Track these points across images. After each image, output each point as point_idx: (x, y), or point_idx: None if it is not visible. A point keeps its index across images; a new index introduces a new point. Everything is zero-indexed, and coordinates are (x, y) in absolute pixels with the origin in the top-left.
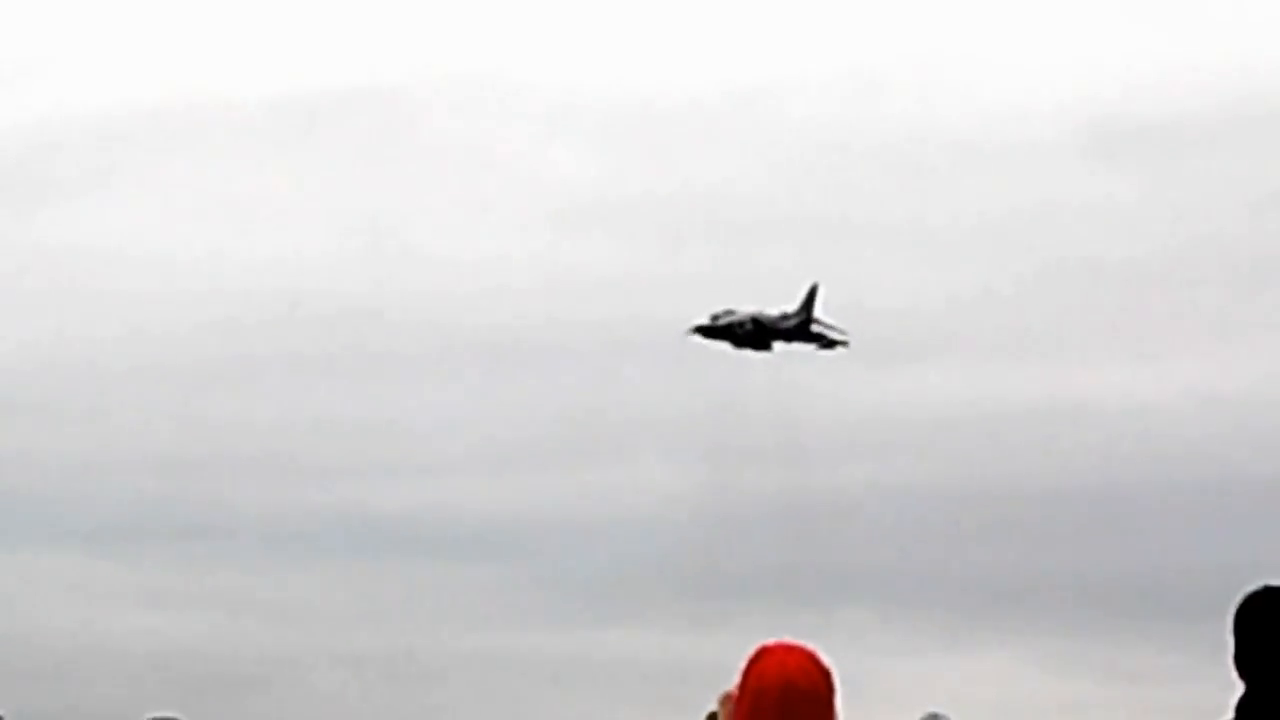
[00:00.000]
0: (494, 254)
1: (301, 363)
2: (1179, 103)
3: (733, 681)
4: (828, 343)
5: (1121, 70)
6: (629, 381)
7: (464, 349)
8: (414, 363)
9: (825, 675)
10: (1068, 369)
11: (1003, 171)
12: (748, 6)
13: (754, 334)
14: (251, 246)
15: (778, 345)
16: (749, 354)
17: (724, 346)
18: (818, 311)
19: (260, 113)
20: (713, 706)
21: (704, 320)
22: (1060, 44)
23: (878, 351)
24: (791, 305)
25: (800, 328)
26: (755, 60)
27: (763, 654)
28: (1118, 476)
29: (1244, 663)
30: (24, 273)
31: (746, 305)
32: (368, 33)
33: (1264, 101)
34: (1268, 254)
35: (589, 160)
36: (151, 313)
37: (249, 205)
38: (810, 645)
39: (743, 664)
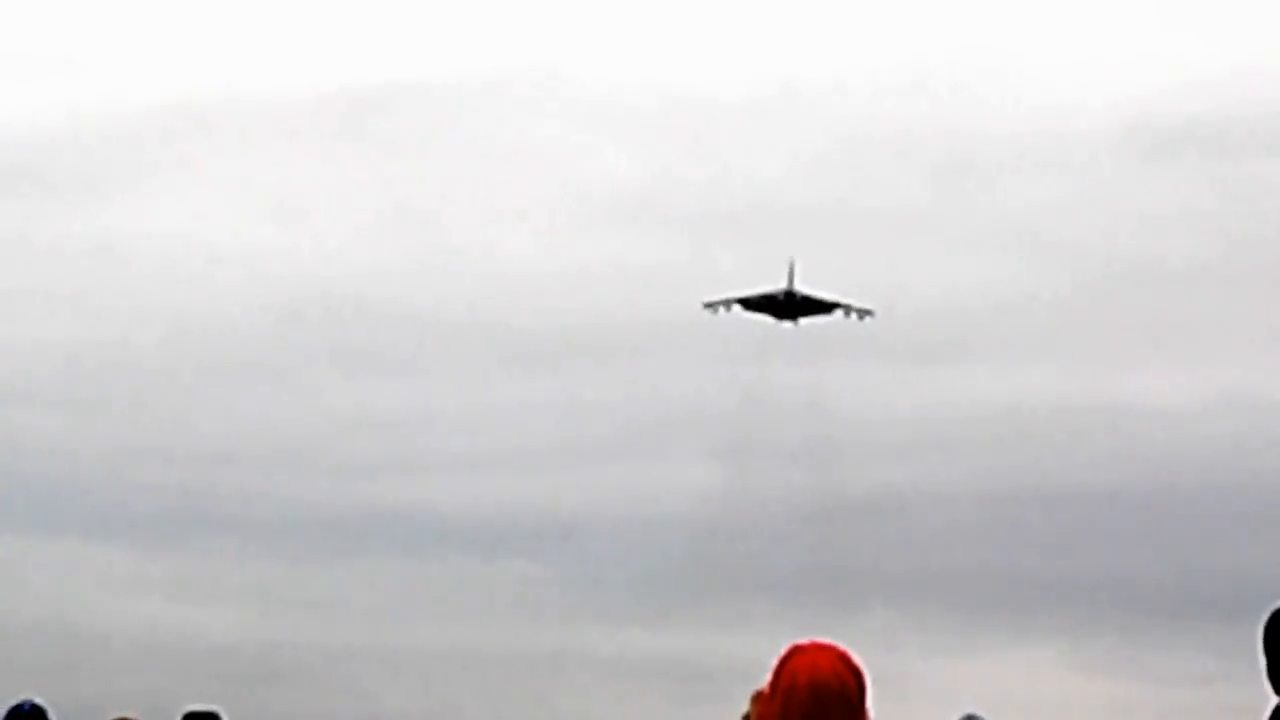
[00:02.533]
0: (532, 252)
1: (336, 358)
2: (1226, 105)
3: (763, 680)
4: (860, 312)
5: (1168, 71)
6: (659, 379)
7: (499, 345)
8: (448, 359)
9: (857, 676)
10: (1105, 370)
11: (1045, 171)
12: (793, 3)
13: (785, 303)
14: (290, 242)
15: (804, 320)
16: (782, 332)
17: (753, 316)
18: (797, 284)
19: (300, 108)
20: (746, 706)
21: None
22: (1108, 43)
23: (914, 350)
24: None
25: (805, 302)
26: (799, 56)
27: (794, 653)
28: (1152, 479)
29: (1278, 678)
30: (62, 267)
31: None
32: (409, 28)
33: None
34: None
35: (632, 157)
36: (187, 307)
37: (288, 201)
38: (841, 645)
39: (774, 663)
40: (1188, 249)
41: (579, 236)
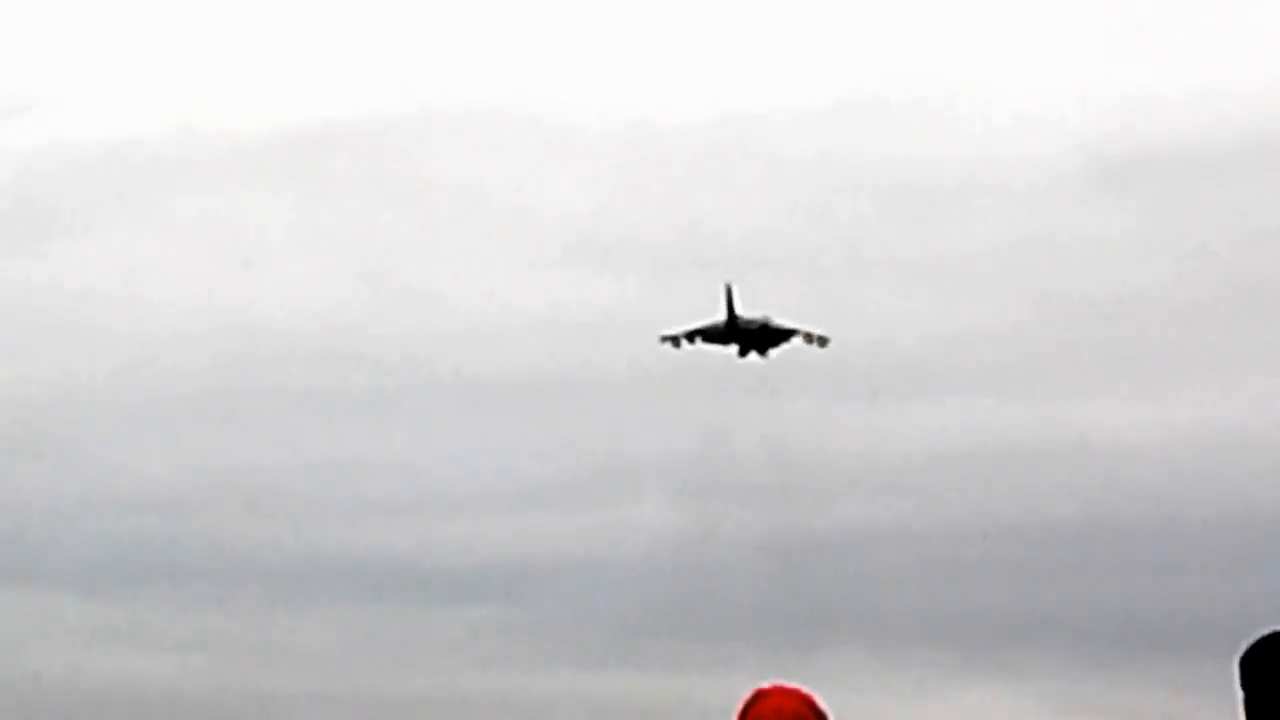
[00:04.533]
0: (491, 292)
1: (299, 403)
2: (1178, 135)
3: None
4: (819, 339)
5: (1120, 101)
6: (616, 420)
7: (458, 388)
8: (409, 403)
9: (820, 718)
10: (1065, 404)
11: (1002, 205)
12: (750, 39)
13: (741, 331)
14: (252, 285)
15: (757, 353)
16: (739, 368)
17: (714, 349)
18: (739, 309)
19: (255, 148)
20: None
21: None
22: (1059, 74)
23: (867, 384)
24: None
25: (763, 330)
26: (756, 91)
27: (758, 697)
28: (1111, 514)
29: (1254, 712)
30: (21, 310)
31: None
32: (362, 68)
33: (1265, 135)
34: (1268, 288)
35: (585, 193)
36: (139, 351)
37: (242, 242)
38: (805, 688)
39: (738, 707)
40: (1142, 279)
41: (536, 276)
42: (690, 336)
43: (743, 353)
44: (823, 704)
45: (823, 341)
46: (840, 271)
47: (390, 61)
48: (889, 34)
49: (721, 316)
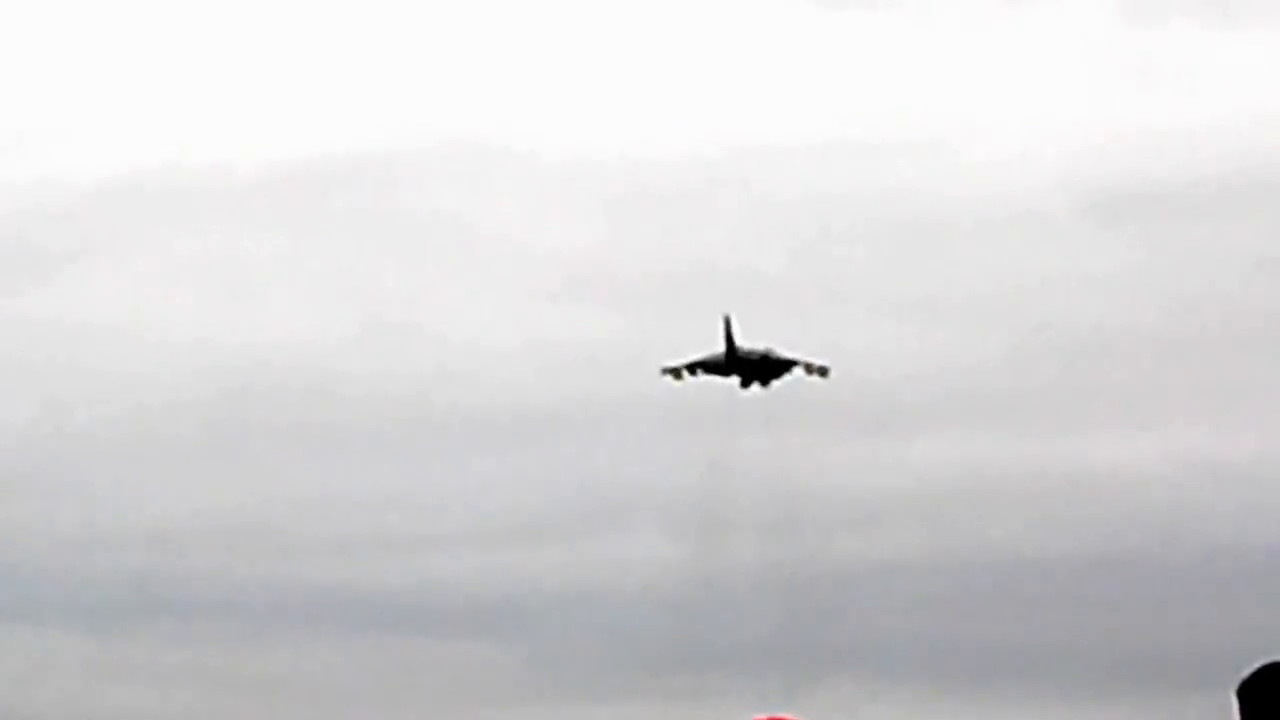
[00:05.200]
0: (488, 326)
1: (287, 438)
2: (1172, 172)
3: None
4: (819, 370)
5: (1114, 139)
6: (614, 454)
7: (456, 422)
8: (402, 438)
9: None
10: (1060, 438)
11: (999, 239)
12: (744, 76)
13: (742, 362)
14: (248, 321)
15: (757, 385)
16: (737, 401)
17: (716, 381)
18: (739, 340)
19: (251, 184)
20: None
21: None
22: (1055, 110)
23: (864, 417)
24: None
25: (764, 361)
26: (752, 128)
27: None
28: (1109, 545)
29: None
30: (14, 348)
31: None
32: (356, 103)
33: (1260, 170)
34: (1260, 321)
35: (582, 226)
36: (136, 387)
37: (238, 278)
38: (799, 718)
39: None
40: (1138, 312)
41: (532, 309)
42: (692, 369)
43: (745, 384)
44: None
45: (823, 372)
46: (831, 306)
47: (385, 97)
48: (882, 72)
49: (721, 348)
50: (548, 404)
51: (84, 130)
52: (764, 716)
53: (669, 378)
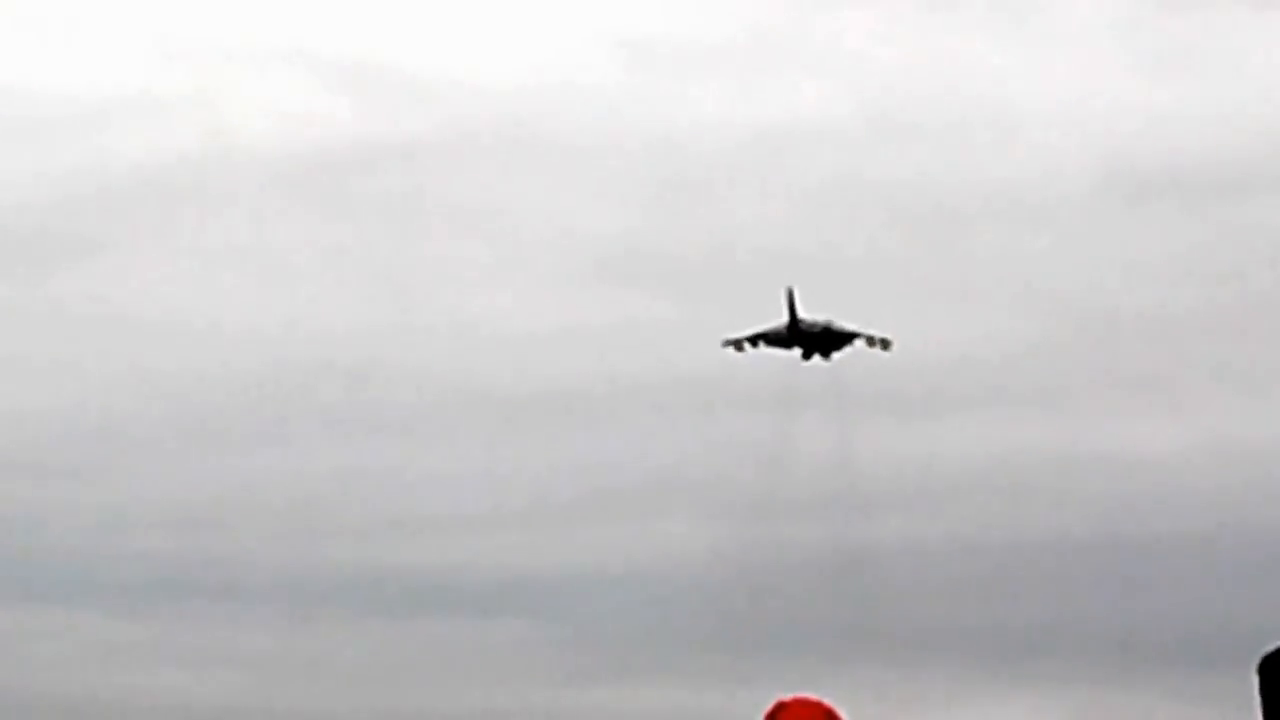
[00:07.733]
0: (517, 310)
1: (324, 421)
2: (1205, 151)
3: None
4: (882, 342)
5: (1148, 119)
6: (657, 436)
7: (495, 405)
8: (438, 420)
9: None
10: (1093, 420)
11: (1028, 219)
12: (779, 57)
13: (802, 334)
14: (277, 305)
15: (817, 358)
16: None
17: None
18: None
19: (287, 170)
20: None
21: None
22: (1089, 92)
23: (904, 405)
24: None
25: (825, 333)
26: (784, 109)
27: (779, 709)
28: (1142, 529)
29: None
30: (47, 334)
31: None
32: (395, 90)
33: None
34: None
35: (615, 209)
36: (174, 372)
37: (273, 264)
38: (827, 700)
39: (759, 718)
40: (1172, 295)
41: (569, 293)
42: (754, 340)
43: (806, 355)
44: (844, 715)
45: (885, 344)
46: (870, 289)
47: (419, 83)
48: (918, 54)
49: (777, 320)
50: (586, 384)
51: (120, 117)
52: (790, 698)
53: (730, 349)
